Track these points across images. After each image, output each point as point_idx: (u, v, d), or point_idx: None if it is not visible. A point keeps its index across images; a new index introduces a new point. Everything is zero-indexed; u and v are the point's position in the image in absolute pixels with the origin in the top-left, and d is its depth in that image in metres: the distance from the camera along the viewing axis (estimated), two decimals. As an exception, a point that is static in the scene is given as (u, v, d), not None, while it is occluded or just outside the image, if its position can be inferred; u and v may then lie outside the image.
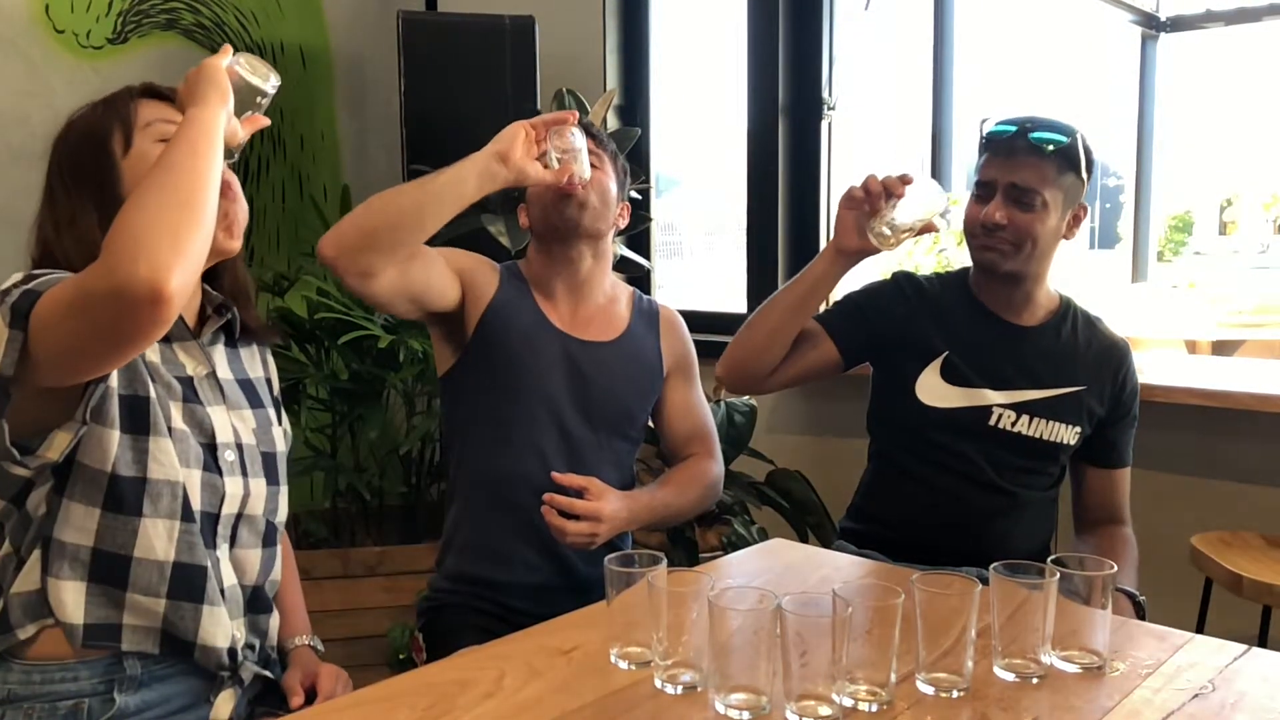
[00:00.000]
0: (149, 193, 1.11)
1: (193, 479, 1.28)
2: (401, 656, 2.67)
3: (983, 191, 1.78)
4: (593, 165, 1.69)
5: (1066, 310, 1.88)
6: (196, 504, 1.28)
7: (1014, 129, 1.74)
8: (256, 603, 1.37)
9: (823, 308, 1.91)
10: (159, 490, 1.24)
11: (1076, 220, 1.81)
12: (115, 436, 1.22)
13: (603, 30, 3.32)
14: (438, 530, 1.89)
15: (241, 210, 1.35)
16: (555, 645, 1.26)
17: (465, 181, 1.49)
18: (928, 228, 1.69)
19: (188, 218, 1.11)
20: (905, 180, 1.68)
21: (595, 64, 3.33)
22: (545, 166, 1.54)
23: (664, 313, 1.92)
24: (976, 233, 1.78)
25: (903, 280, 1.94)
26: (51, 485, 1.23)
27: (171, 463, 1.25)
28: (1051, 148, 1.73)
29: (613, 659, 1.20)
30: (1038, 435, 1.80)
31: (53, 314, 1.10)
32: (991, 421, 1.80)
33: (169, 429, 1.26)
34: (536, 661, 1.22)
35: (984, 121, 1.80)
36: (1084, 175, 1.77)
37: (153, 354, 1.28)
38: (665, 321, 1.90)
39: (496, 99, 3.02)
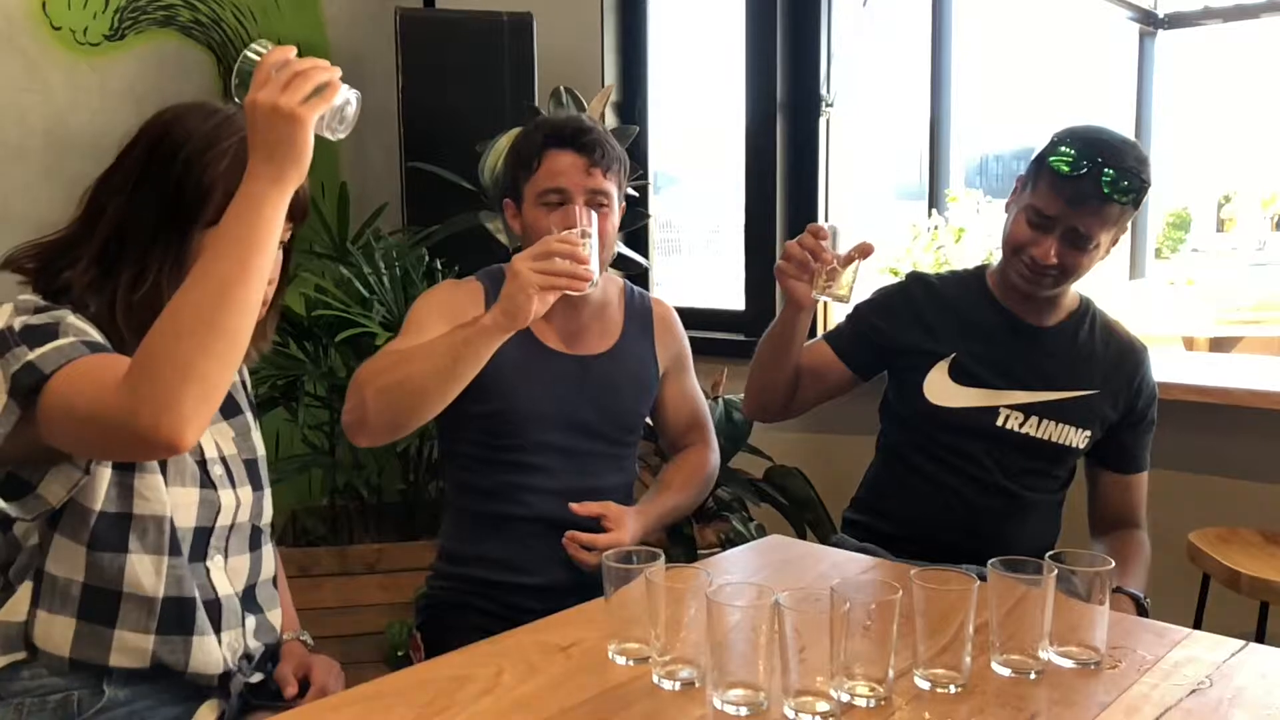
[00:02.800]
0: (190, 315, 1.06)
1: (190, 497, 1.27)
2: (400, 654, 2.67)
3: (1039, 220, 1.70)
4: (602, 204, 1.67)
5: (1085, 311, 1.86)
6: (192, 521, 1.27)
7: (1085, 168, 1.65)
8: (251, 604, 1.37)
9: (831, 324, 1.91)
10: (145, 526, 1.24)
11: (1115, 240, 1.77)
12: (106, 474, 1.22)
13: (601, 27, 3.32)
14: (436, 527, 1.89)
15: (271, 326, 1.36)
16: (553, 641, 1.26)
17: (482, 357, 1.48)
18: (864, 252, 1.62)
19: (224, 353, 1.07)
20: (820, 235, 1.63)
21: (593, 61, 3.32)
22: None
23: (657, 309, 1.90)
24: (1025, 259, 1.73)
25: (912, 283, 1.93)
26: (46, 520, 1.22)
27: (158, 497, 1.24)
28: (1120, 190, 1.65)
29: (611, 655, 1.20)
30: (1046, 437, 1.80)
31: (60, 415, 1.10)
32: (999, 422, 1.80)
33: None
34: (535, 658, 1.22)
35: (1054, 143, 1.70)
36: (1138, 208, 1.72)
37: None
38: (659, 319, 1.89)
39: (494, 96, 3.01)
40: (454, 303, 1.71)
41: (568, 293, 1.45)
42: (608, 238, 1.69)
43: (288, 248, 1.35)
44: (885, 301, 1.92)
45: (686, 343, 1.94)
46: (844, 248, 1.64)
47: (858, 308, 1.96)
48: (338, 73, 1.11)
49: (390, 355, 1.57)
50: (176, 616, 1.25)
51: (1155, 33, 3.77)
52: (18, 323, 1.15)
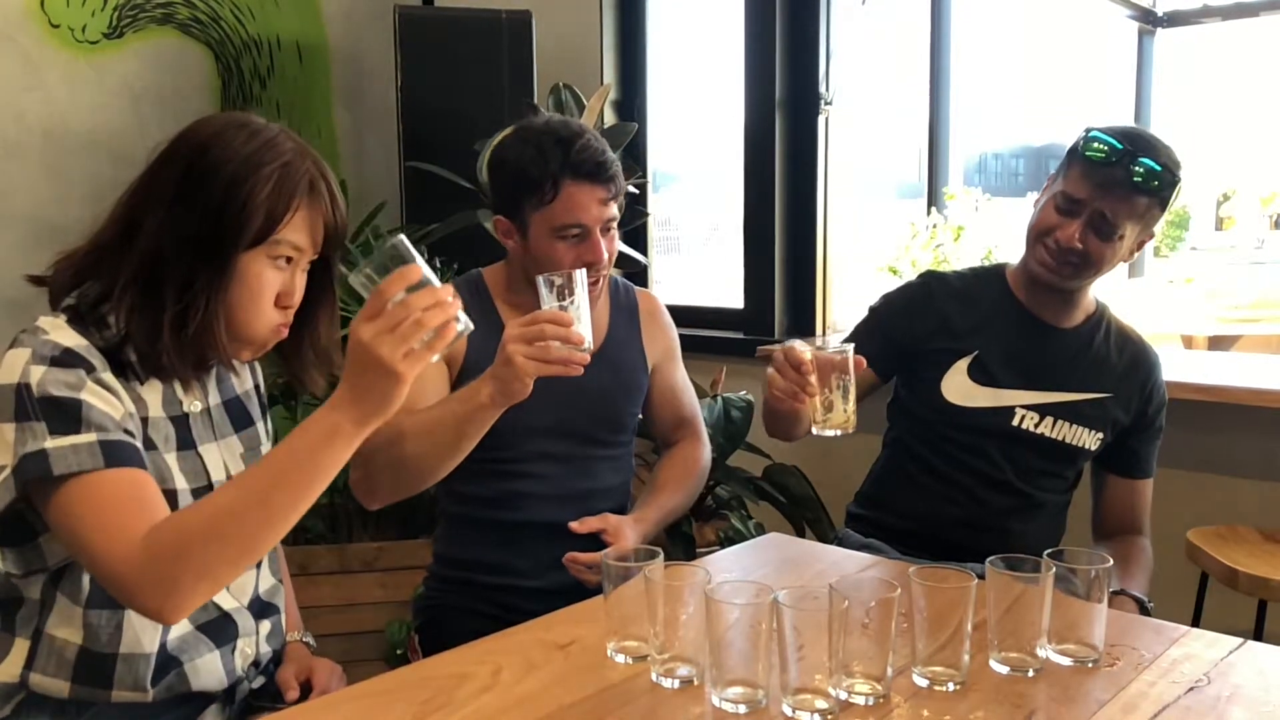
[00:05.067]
0: (229, 526, 1.05)
1: None
2: (399, 652, 2.67)
3: (1067, 206, 1.71)
4: (610, 229, 1.66)
5: (1101, 316, 1.86)
6: None
7: (1118, 153, 1.66)
8: (262, 610, 1.36)
9: (849, 326, 1.89)
10: None
11: (1141, 244, 1.77)
12: None
13: (600, 25, 3.32)
14: (435, 525, 1.88)
15: None
16: (552, 639, 1.26)
17: (484, 429, 1.48)
18: (856, 367, 1.46)
19: (248, 562, 1.09)
20: (802, 368, 1.45)
21: (592, 58, 3.32)
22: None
23: (643, 303, 1.88)
24: (1049, 244, 1.73)
25: (932, 281, 1.91)
26: (47, 576, 1.20)
27: None
28: (1149, 183, 1.66)
29: (610, 653, 1.21)
30: (1060, 438, 1.80)
31: (66, 534, 1.09)
32: (1014, 422, 1.79)
33: (174, 493, 1.21)
34: (534, 655, 1.22)
35: (1089, 131, 1.71)
36: (1166, 209, 1.73)
37: (154, 403, 1.22)
38: (645, 313, 1.87)
39: (493, 94, 3.01)
40: None
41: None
42: (613, 256, 1.69)
43: (328, 274, 1.31)
44: (905, 300, 1.90)
45: (675, 334, 1.92)
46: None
47: (873, 308, 1.94)
48: (456, 309, 1.06)
49: (391, 422, 1.54)
50: (170, 662, 1.23)
51: (1154, 31, 3.78)
52: (35, 379, 1.10)
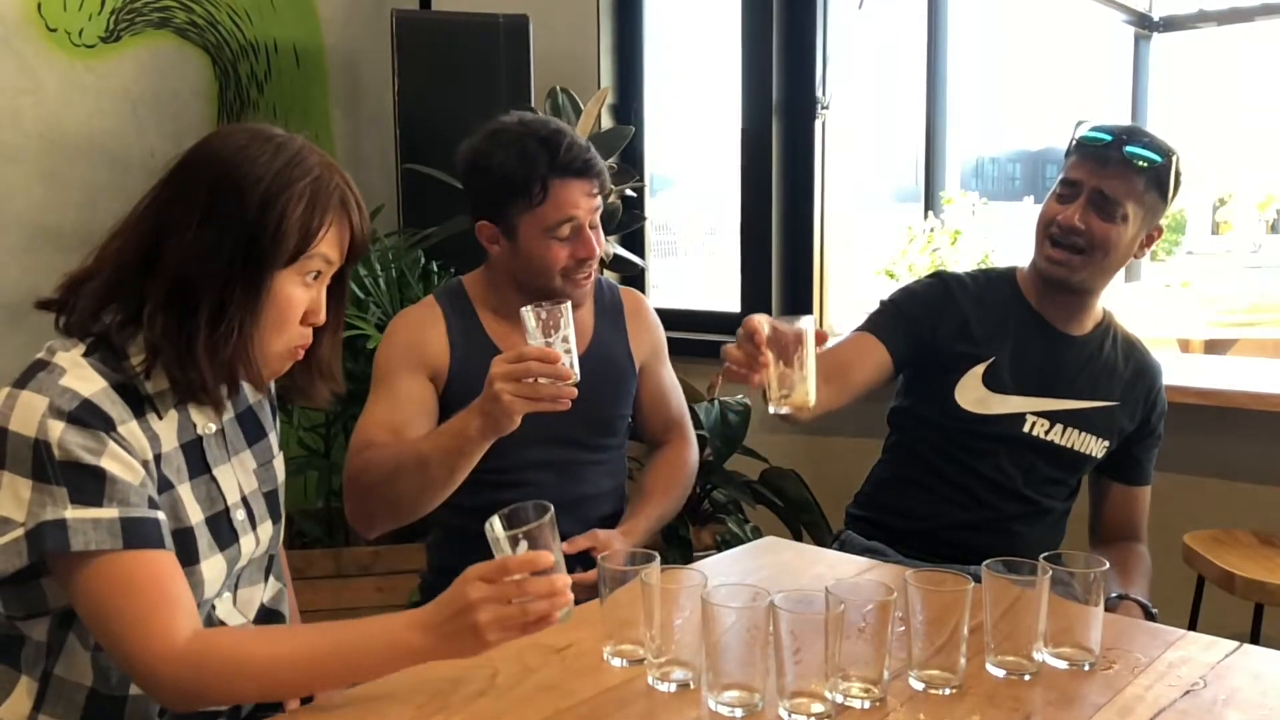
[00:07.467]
0: (271, 686, 1.12)
1: (216, 568, 1.20)
2: (395, 656, 2.67)
3: (1067, 191, 1.74)
4: (594, 224, 1.65)
5: (1109, 325, 1.87)
6: (216, 590, 1.22)
7: (1110, 138, 1.71)
8: (269, 619, 1.34)
9: (863, 315, 1.89)
10: None
11: (1150, 240, 1.78)
12: None
13: (597, 29, 3.32)
14: (429, 530, 1.88)
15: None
16: (548, 643, 1.26)
17: (475, 459, 1.50)
18: (818, 338, 1.36)
19: (276, 699, 1.17)
20: (756, 340, 1.33)
21: (589, 63, 3.32)
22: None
23: (627, 303, 1.87)
24: (1053, 233, 1.74)
25: (951, 281, 1.89)
26: (51, 620, 1.16)
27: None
28: (1144, 164, 1.69)
29: (606, 657, 1.21)
30: (1069, 445, 1.80)
31: (85, 612, 1.09)
32: (1026, 428, 1.79)
33: (190, 530, 1.18)
34: (530, 659, 1.22)
35: (1080, 124, 1.76)
36: (1168, 199, 1.74)
37: (169, 436, 1.18)
38: (630, 313, 1.86)
39: (490, 98, 3.01)
40: (417, 343, 1.69)
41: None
42: (602, 250, 1.68)
43: (340, 286, 1.28)
44: (928, 297, 1.88)
45: (662, 333, 1.90)
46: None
47: (890, 300, 1.91)
48: (566, 601, 1.08)
49: (382, 455, 1.56)
50: None
51: (1150, 35, 3.78)
52: (55, 438, 1.05)
